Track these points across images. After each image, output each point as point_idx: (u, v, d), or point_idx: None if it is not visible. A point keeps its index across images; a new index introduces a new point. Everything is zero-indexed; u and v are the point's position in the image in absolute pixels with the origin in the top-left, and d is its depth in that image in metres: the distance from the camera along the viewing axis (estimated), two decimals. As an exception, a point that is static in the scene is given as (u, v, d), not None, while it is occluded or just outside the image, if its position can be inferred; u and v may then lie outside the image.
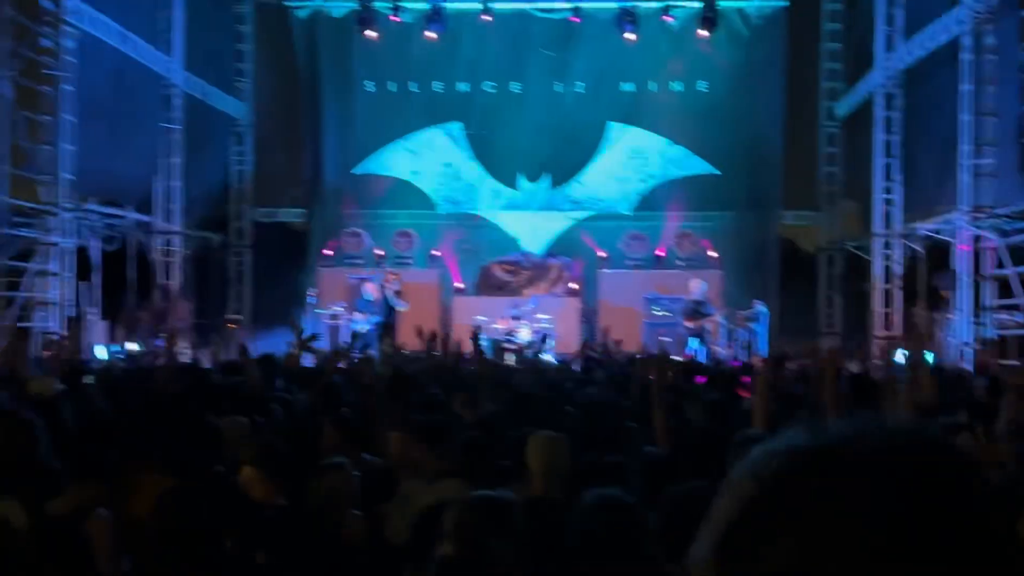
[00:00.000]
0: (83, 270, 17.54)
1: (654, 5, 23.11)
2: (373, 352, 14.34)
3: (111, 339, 17.83)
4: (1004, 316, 15.95)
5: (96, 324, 17.43)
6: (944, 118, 17.39)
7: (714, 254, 22.53)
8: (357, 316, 19.31)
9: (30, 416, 4.67)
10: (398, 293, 19.31)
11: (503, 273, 23.07)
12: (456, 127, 24.28)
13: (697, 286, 19.46)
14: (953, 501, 0.92)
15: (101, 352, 16.03)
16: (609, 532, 3.37)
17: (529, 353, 14.22)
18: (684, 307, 19.50)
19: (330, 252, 22.84)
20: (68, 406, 7.05)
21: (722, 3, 22.94)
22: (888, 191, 20.79)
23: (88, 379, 9.20)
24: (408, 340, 12.31)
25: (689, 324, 19.13)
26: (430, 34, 23.17)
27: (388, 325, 18.92)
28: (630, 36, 23.03)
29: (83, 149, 16.99)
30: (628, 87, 23.95)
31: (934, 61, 18.42)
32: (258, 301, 24.18)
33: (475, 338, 9.94)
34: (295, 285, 22.28)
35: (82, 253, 17.58)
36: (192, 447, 5.09)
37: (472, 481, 4.72)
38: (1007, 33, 15.37)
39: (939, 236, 18.40)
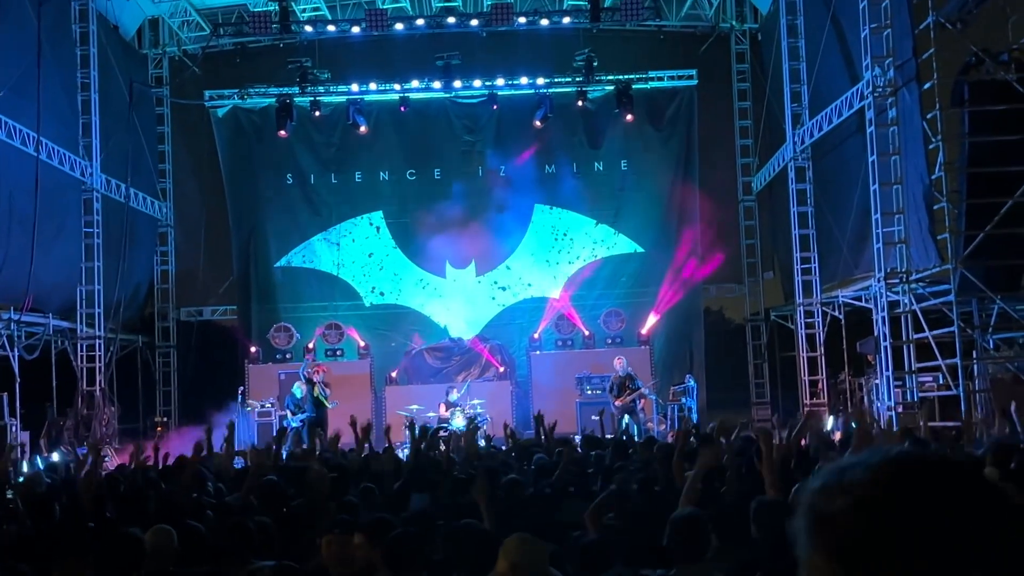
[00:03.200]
0: (3, 380, 17.12)
1: (568, 90, 23.64)
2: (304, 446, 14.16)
3: (34, 450, 17.37)
4: (925, 378, 16.31)
5: (17, 435, 16.95)
6: (854, 187, 17.94)
7: (643, 331, 22.79)
8: (288, 415, 19.16)
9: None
10: (326, 385, 19.19)
11: (434, 361, 23.05)
12: (377, 216, 24.38)
13: (620, 363, 19.66)
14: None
15: (23, 465, 15.58)
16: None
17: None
18: (611, 385, 19.64)
19: (257, 348, 22.63)
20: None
21: (636, 86, 23.53)
22: (806, 261, 21.29)
23: (9, 494, 8.95)
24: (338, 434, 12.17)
25: (618, 402, 19.22)
26: (357, 128, 23.45)
27: (317, 421, 18.79)
28: (538, 124, 23.48)
29: (1, 257, 16.72)
30: (550, 169, 24.31)
31: (840, 134, 19.06)
32: (186, 401, 23.80)
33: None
34: (223, 383, 21.97)
35: (1, 363, 17.19)
36: (114, 560, 4.98)
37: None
38: (908, 105, 15.99)
39: (859, 303, 18.85)
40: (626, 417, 19.05)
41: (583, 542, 5.27)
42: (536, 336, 23.13)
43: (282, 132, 23.33)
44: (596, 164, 24.38)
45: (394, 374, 22.69)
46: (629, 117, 23.47)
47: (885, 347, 16.65)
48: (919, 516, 1.24)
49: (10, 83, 17.10)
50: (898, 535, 1.24)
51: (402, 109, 23.61)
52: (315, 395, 19.01)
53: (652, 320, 23.17)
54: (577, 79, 23.34)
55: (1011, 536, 1.25)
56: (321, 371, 19.55)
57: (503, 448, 12.95)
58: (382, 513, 6.10)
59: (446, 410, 19.62)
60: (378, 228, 24.40)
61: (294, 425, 19.02)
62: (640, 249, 24.24)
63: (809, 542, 1.30)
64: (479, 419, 19.69)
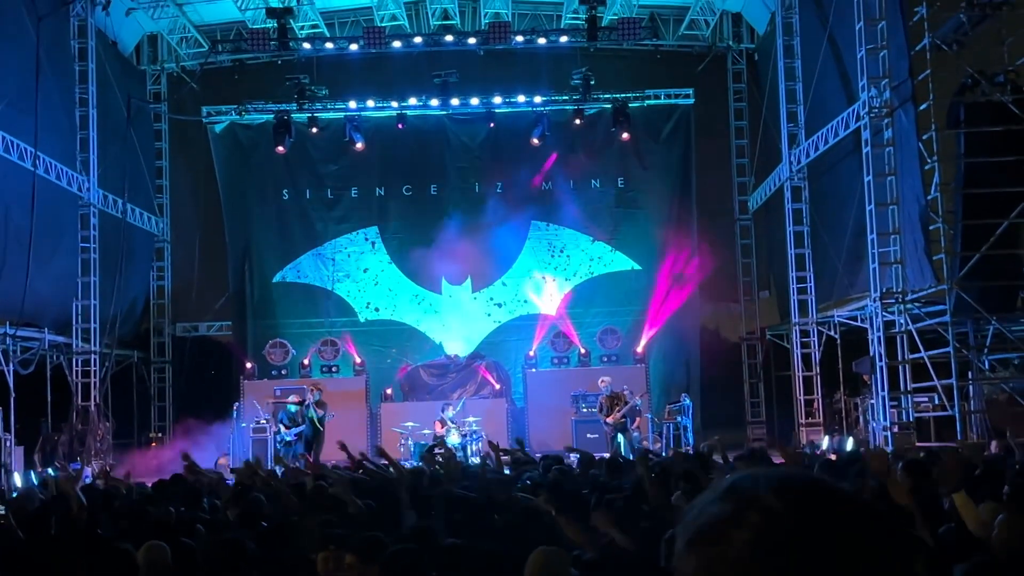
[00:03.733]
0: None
1: (565, 108, 23.70)
2: (299, 464, 14.15)
3: (28, 465, 17.31)
4: (921, 399, 16.32)
5: (12, 450, 16.89)
6: (850, 207, 17.98)
7: (639, 349, 22.79)
8: (281, 428, 19.17)
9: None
10: (319, 404, 19.17)
11: (430, 378, 23.02)
12: (373, 232, 24.38)
13: (605, 384, 19.67)
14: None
15: (17, 479, 15.54)
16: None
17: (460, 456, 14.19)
18: (599, 405, 19.62)
19: (253, 364, 22.60)
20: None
21: (633, 104, 23.61)
22: (801, 280, 21.31)
23: (1, 510, 8.92)
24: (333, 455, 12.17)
25: (610, 420, 19.19)
26: (354, 145, 23.48)
27: (310, 440, 18.82)
28: (535, 141, 23.50)
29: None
30: (547, 186, 24.32)
31: (837, 154, 19.11)
32: (181, 417, 23.72)
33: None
34: (218, 399, 21.94)
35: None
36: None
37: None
38: (904, 126, 16.04)
39: (854, 323, 18.86)
40: (619, 436, 19.02)
41: (583, 560, 5.26)
42: (531, 354, 23.10)
43: (280, 148, 23.35)
44: (593, 181, 24.39)
45: (389, 391, 22.67)
46: (625, 136, 23.50)
47: (881, 367, 16.65)
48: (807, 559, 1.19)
49: (8, 98, 17.11)
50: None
51: (399, 126, 23.66)
52: (308, 416, 19.03)
53: (648, 338, 23.16)
54: (574, 97, 23.41)
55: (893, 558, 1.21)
56: (316, 389, 19.56)
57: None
58: (375, 532, 6.08)
59: (441, 427, 19.58)
60: (373, 244, 24.40)
61: (287, 439, 19.03)
62: (637, 267, 24.23)
63: None
64: (473, 436, 19.66)
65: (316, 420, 19.01)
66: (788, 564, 1.17)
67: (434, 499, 8.15)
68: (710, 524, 1.23)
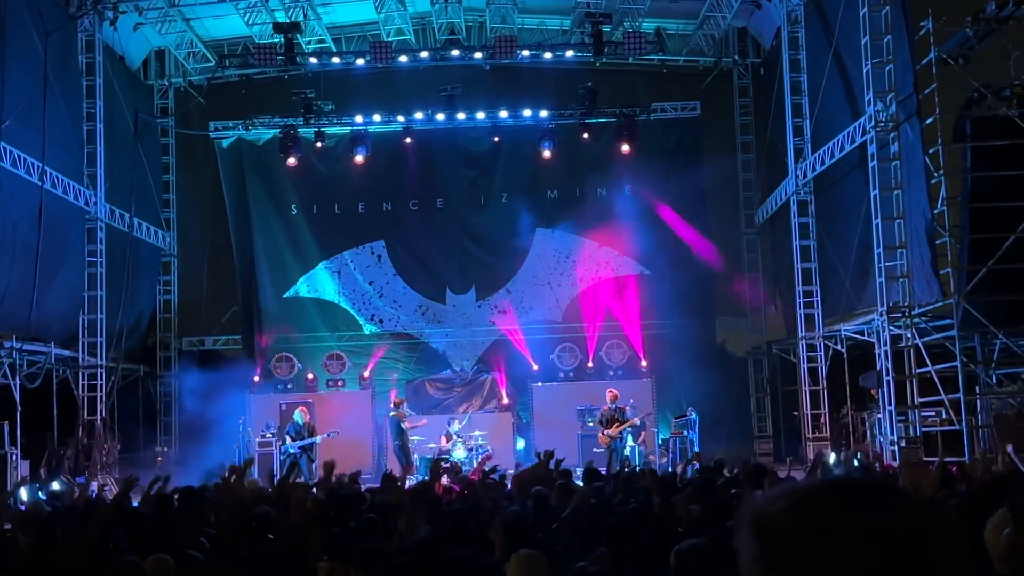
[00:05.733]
0: (4, 409, 17.08)
1: (571, 122, 23.70)
2: (303, 477, 14.15)
3: (34, 479, 17.30)
4: (928, 413, 16.26)
5: (18, 464, 16.89)
6: (856, 221, 17.96)
7: (644, 362, 22.72)
8: (287, 440, 19.17)
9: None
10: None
11: (435, 391, 22.98)
12: (379, 245, 24.38)
13: (612, 395, 19.66)
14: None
15: (23, 493, 15.51)
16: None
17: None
18: (600, 418, 19.60)
19: (259, 378, 22.62)
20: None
21: (639, 117, 23.63)
22: (808, 294, 21.25)
23: (7, 524, 8.90)
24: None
25: (607, 432, 19.17)
26: (358, 159, 23.49)
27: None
28: (547, 154, 23.49)
29: (3, 286, 16.74)
30: (553, 195, 24.27)
31: (843, 168, 19.11)
32: (186, 431, 23.71)
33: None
34: (224, 413, 21.92)
35: (2, 392, 17.15)
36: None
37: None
38: (910, 140, 16.04)
39: (861, 337, 18.82)
40: (626, 447, 19.06)
41: (588, 571, 5.25)
42: (536, 368, 23.01)
43: (291, 160, 23.43)
44: (600, 189, 24.31)
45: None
46: (631, 148, 23.45)
47: (888, 381, 16.60)
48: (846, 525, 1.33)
49: (16, 112, 17.18)
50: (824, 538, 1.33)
51: (406, 140, 23.70)
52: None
53: (654, 351, 23.06)
54: (580, 110, 23.41)
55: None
56: (401, 403, 20.07)
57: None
58: (377, 543, 6.07)
59: (447, 441, 19.55)
60: (379, 257, 24.40)
61: (291, 451, 19.04)
62: (647, 271, 24.03)
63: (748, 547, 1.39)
64: (479, 451, 19.62)
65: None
66: (832, 538, 1.32)
67: (442, 513, 8.13)
68: (764, 513, 1.38)
